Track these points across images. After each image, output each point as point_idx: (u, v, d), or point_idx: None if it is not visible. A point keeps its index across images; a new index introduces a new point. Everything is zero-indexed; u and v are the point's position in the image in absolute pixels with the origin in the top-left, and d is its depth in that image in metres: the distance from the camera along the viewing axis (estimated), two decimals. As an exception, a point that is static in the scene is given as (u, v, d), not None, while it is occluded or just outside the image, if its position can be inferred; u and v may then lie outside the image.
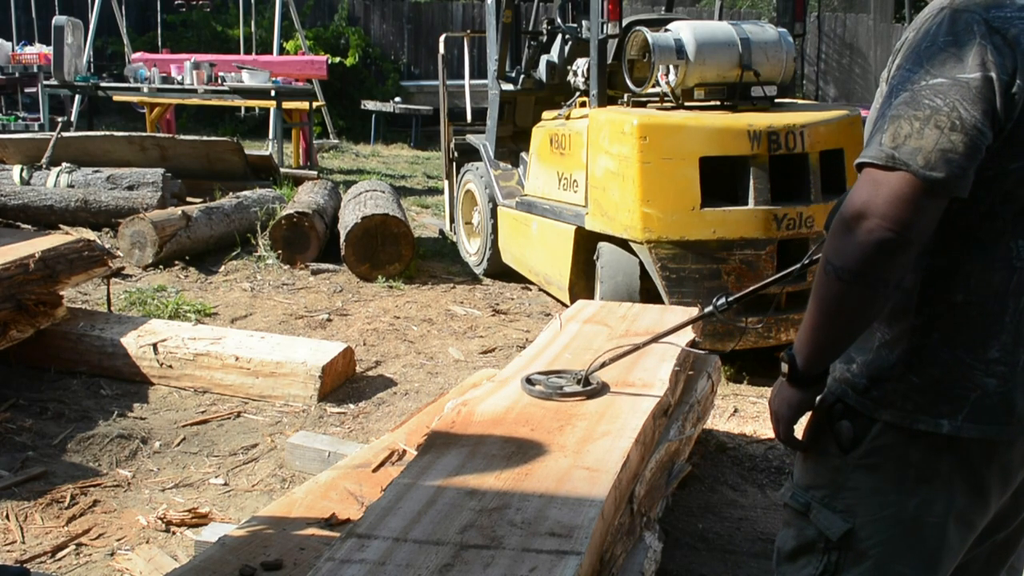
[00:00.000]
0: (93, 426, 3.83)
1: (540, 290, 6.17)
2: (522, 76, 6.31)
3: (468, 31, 9.08)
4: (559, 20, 6.14)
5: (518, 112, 6.64)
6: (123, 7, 13.38)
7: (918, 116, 1.38)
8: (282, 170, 8.74)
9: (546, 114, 5.74)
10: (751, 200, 4.48)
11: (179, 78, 10.21)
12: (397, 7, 16.15)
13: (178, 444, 3.76)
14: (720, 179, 4.54)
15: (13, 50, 12.43)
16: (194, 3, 14.06)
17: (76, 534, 3.03)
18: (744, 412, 4.26)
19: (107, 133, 8.63)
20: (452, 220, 7.24)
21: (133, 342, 4.36)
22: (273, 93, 9.74)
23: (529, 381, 2.60)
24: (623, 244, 4.72)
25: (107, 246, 5.88)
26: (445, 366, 4.79)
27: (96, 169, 7.34)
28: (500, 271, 6.46)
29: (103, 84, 10.56)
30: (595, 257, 4.94)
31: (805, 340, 1.51)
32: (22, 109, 12.58)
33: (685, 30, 4.77)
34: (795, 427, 1.62)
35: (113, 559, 2.89)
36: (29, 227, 6.78)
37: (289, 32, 13.65)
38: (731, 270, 4.47)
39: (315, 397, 4.14)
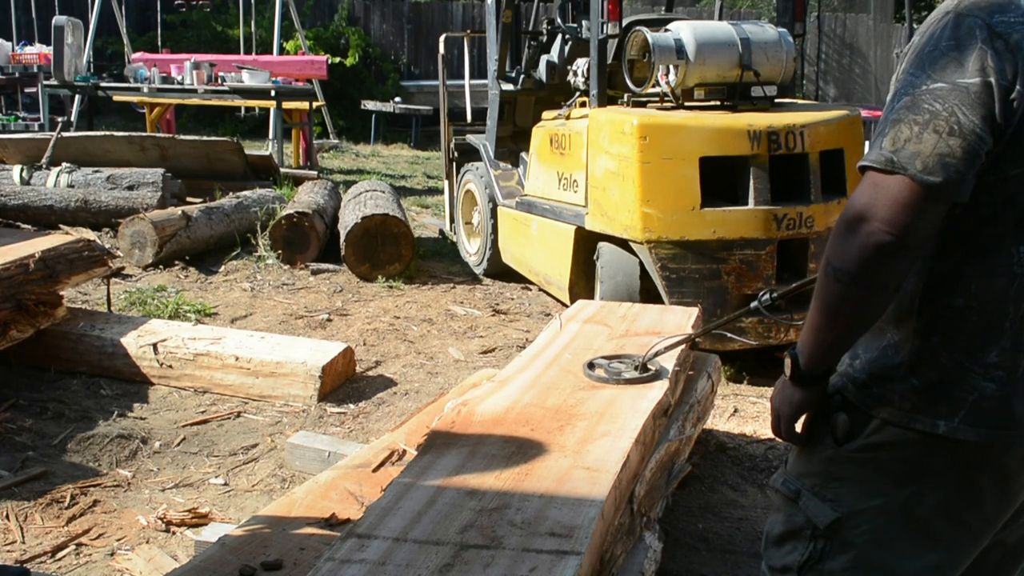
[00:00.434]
0: (93, 426, 3.83)
1: (540, 290, 6.17)
2: (522, 76, 6.31)
3: (468, 31, 9.08)
4: (559, 20, 6.14)
5: (518, 112, 6.64)
6: (123, 7, 13.38)
7: (917, 120, 1.39)
8: (282, 170, 8.74)
9: (546, 114, 5.74)
10: (751, 200, 4.48)
11: (179, 78, 10.21)
12: (397, 7, 16.15)
13: (178, 444, 3.76)
14: (720, 179, 4.54)
15: (13, 50, 12.43)
16: (194, 3, 14.05)
17: (76, 534, 3.03)
18: (744, 412, 4.26)
19: (107, 133, 8.63)
20: (452, 220, 7.24)
21: (133, 342, 4.36)
22: (273, 93, 9.74)
23: (591, 366, 2.69)
24: (623, 244, 4.72)
25: (107, 246, 5.88)
26: (445, 366, 4.79)
27: (96, 169, 7.34)
28: (500, 271, 6.46)
29: (103, 84, 10.56)
30: (595, 257, 4.94)
31: (807, 340, 1.53)
32: (22, 109, 12.58)
33: (685, 30, 4.77)
34: (796, 425, 1.63)
35: (113, 559, 2.90)
36: (29, 227, 6.78)
37: (289, 32, 13.65)
38: (731, 270, 4.47)
39: (315, 397, 4.14)
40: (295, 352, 4.30)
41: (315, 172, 9.27)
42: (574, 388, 2.61)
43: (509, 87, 6.39)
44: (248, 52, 13.46)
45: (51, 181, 7.18)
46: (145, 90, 10.19)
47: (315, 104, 11.50)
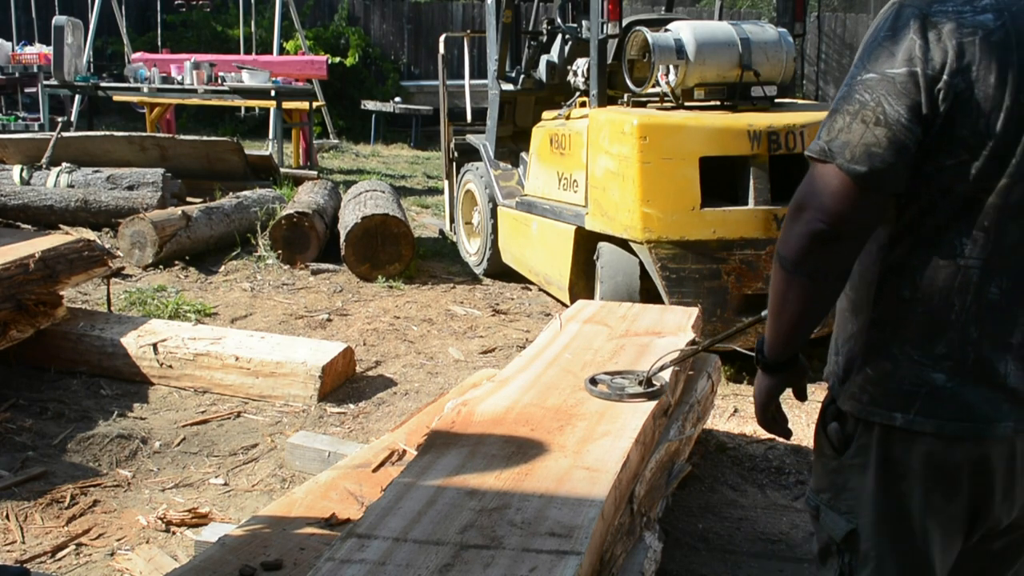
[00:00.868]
0: (93, 426, 3.83)
1: (540, 290, 6.16)
2: (522, 76, 6.31)
3: (468, 31, 9.08)
4: (559, 20, 6.14)
5: (518, 112, 6.64)
6: (123, 7, 13.38)
7: (849, 111, 1.42)
8: (282, 170, 8.74)
9: (546, 114, 5.74)
10: (751, 200, 4.48)
11: (179, 78, 10.21)
12: (397, 7, 16.14)
13: (178, 444, 3.75)
14: (720, 179, 4.54)
15: (13, 50, 12.44)
16: (194, 3, 14.05)
17: (76, 534, 3.03)
18: (744, 412, 4.26)
19: (107, 133, 8.63)
20: (452, 220, 7.24)
21: (133, 342, 4.36)
22: (273, 93, 9.74)
23: (593, 381, 2.61)
24: (623, 244, 4.72)
25: (107, 246, 5.88)
26: (445, 366, 4.79)
27: (96, 169, 7.34)
28: (500, 271, 6.46)
29: (103, 84, 10.56)
30: (595, 257, 4.94)
31: (767, 328, 1.57)
32: (22, 109, 12.58)
33: (685, 30, 4.77)
34: (771, 411, 1.66)
35: (113, 559, 2.89)
36: (29, 227, 6.78)
37: (289, 32, 13.65)
38: (731, 270, 4.47)
39: (315, 397, 4.14)
40: (295, 352, 4.30)
41: (315, 172, 9.27)
42: (574, 388, 2.61)
43: (509, 87, 6.39)
44: (248, 52, 13.46)
45: (51, 181, 7.18)
46: (145, 90, 10.19)
47: (315, 104, 11.50)
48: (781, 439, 1.68)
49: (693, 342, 3.09)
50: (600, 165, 4.79)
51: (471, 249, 6.88)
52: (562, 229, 5.27)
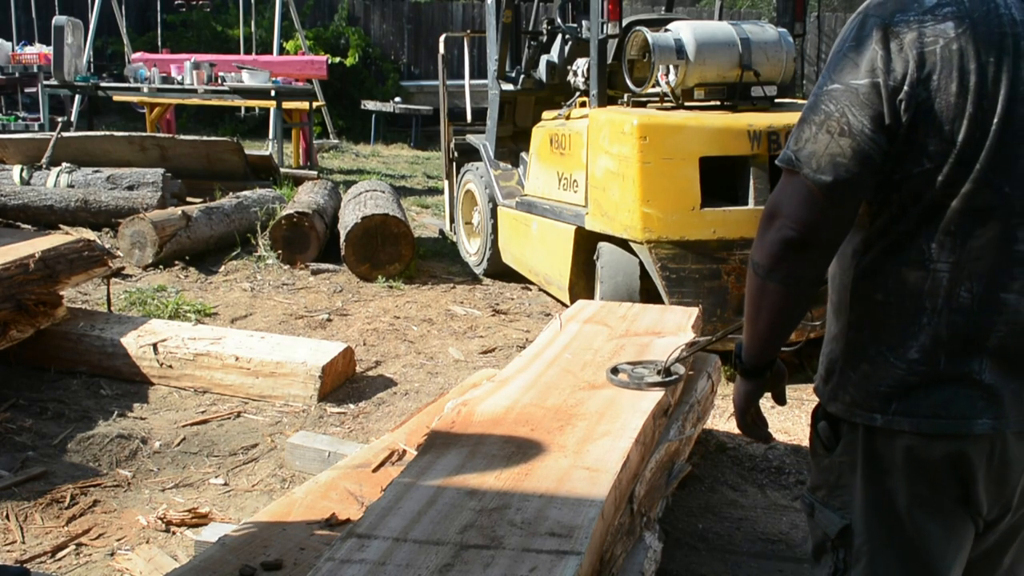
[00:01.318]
0: (93, 426, 3.83)
1: (540, 290, 6.16)
2: (522, 76, 6.31)
3: (468, 31, 9.08)
4: (559, 20, 6.14)
5: (518, 112, 6.64)
6: (123, 7, 13.39)
7: (815, 121, 1.44)
8: (282, 170, 8.75)
9: (546, 114, 5.74)
10: (751, 200, 4.48)
11: (179, 78, 10.21)
12: (397, 7, 16.15)
13: (178, 444, 3.75)
14: (720, 179, 4.54)
15: (13, 50, 12.44)
16: (194, 3, 14.06)
17: (76, 534, 3.03)
18: (744, 412, 4.26)
19: (107, 133, 8.64)
20: (452, 220, 7.24)
21: (133, 342, 4.36)
22: (273, 93, 9.74)
23: (614, 371, 2.68)
24: (623, 244, 4.72)
25: (107, 246, 5.88)
26: (445, 366, 4.79)
27: (96, 169, 7.34)
28: (500, 271, 6.46)
29: (103, 84, 10.57)
30: (595, 257, 4.94)
31: (744, 333, 1.61)
32: (22, 109, 12.59)
33: (685, 30, 4.77)
34: (751, 415, 1.69)
35: (113, 559, 2.89)
36: (29, 227, 6.78)
37: (289, 32, 13.65)
38: (731, 270, 4.47)
39: (315, 397, 4.14)
40: (295, 352, 4.30)
41: (315, 172, 9.28)
42: (574, 388, 2.61)
43: (509, 87, 6.39)
44: (248, 52, 13.47)
45: (51, 181, 7.18)
46: (145, 90, 10.20)
47: (315, 104, 11.50)
48: (761, 442, 1.71)
49: (693, 342, 3.09)
50: (600, 165, 4.79)
51: (471, 249, 6.88)
52: (562, 229, 5.27)
